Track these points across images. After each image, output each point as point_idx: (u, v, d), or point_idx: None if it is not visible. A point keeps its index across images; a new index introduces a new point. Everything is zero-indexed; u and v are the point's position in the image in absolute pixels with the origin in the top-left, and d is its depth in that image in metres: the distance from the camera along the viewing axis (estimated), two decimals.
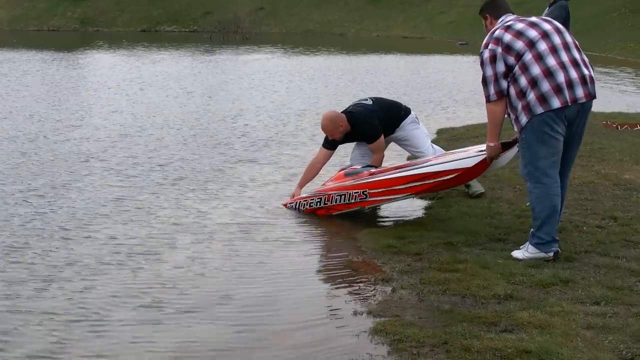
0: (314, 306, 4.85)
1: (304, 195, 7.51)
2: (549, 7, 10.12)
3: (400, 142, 7.74)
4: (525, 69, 5.37)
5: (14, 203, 7.48)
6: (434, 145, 7.67)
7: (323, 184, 7.53)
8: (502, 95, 5.49)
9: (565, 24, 9.98)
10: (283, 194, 7.84)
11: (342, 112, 7.58)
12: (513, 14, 5.74)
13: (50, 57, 29.56)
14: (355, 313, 4.63)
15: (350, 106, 7.70)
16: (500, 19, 5.69)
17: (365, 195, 7.00)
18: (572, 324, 4.28)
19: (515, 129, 5.59)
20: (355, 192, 7.03)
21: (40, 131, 11.94)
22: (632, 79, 23.05)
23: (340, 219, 7.04)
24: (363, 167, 7.38)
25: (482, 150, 6.32)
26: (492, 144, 5.92)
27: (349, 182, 7.16)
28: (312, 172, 7.71)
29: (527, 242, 5.61)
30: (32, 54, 30.95)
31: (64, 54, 31.86)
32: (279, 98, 16.93)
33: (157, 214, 7.15)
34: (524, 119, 5.42)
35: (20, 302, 4.93)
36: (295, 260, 5.85)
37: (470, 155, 6.53)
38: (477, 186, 7.48)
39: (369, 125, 7.44)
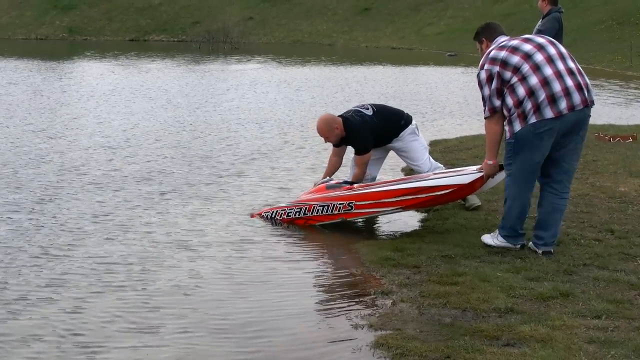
0: (314, 320, 4.83)
1: (281, 204, 7.51)
2: (542, 18, 10.16)
3: (398, 153, 7.71)
4: (523, 79, 5.61)
5: None
6: (431, 159, 7.61)
7: (299, 197, 7.56)
8: (495, 111, 5.76)
9: (558, 35, 10.05)
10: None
11: (339, 116, 7.53)
12: (506, 35, 6.02)
13: (37, 66, 29.51)
14: (356, 326, 4.60)
15: (350, 111, 7.63)
16: (495, 41, 5.97)
17: (351, 206, 6.99)
18: (574, 338, 4.27)
19: (507, 134, 5.82)
20: (339, 203, 7.02)
21: (20, 142, 11.82)
22: (621, 90, 23.16)
23: (336, 231, 7.01)
24: (343, 181, 7.42)
25: (479, 169, 6.45)
26: (490, 162, 6.16)
27: (333, 193, 7.16)
28: (332, 164, 7.72)
29: (497, 231, 6.10)
30: (18, 63, 30.82)
31: (51, 63, 31.74)
32: (267, 109, 16.87)
33: (143, 230, 6.96)
34: (517, 126, 5.67)
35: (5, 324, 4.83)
36: (293, 274, 5.80)
37: (466, 172, 6.64)
38: (473, 199, 7.46)
39: (359, 138, 7.41)
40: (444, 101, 18.88)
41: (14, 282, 5.49)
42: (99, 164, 10.10)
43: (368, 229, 7.30)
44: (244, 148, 11.62)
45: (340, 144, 7.62)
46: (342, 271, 5.83)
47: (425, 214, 7.55)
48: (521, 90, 5.60)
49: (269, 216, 7.38)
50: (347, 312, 4.90)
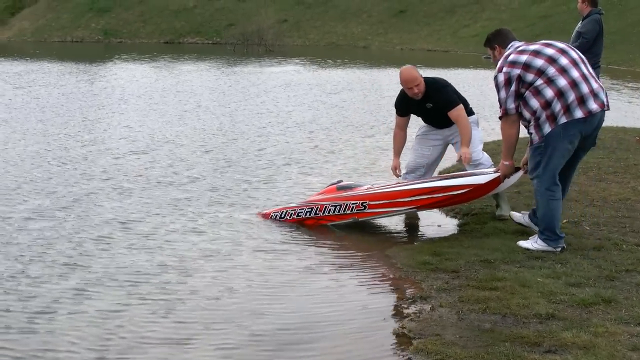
0: (351, 325, 4.81)
1: (291, 205, 7.57)
2: (582, 20, 10.06)
3: (456, 138, 7.36)
4: (550, 81, 5.77)
5: (16, 226, 7.18)
6: (484, 153, 7.33)
7: (309, 199, 7.62)
8: (508, 113, 5.93)
9: (599, 37, 9.94)
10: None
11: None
12: (519, 41, 6.17)
13: (70, 68, 29.66)
14: (394, 332, 4.58)
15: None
16: (509, 46, 6.14)
17: (364, 206, 7.05)
18: (617, 345, 4.21)
19: (535, 138, 5.94)
20: (353, 203, 7.09)
21: (50, 146, 11.89)
22: None
23: (371, 236, 7.04)
24: (356, 183, 7.58)
25: (495, 169, 6.63)
26: (506, 163, 6.36)
27: (345, 193, 7.24)
28: (397, 139, 7.56)
29: (536, 235, 6.13)
30: (52, 65, 31.05)
31: (84, 66, 31.92)
32: (298, 113, 16.69)
33: (170, 238, 6.89)
34: (547, 128, 5.81)
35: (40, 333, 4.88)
36: (330, 279, 5.79)
37: (482, 173, 6.77)
38: (505, 209, 7.26)
39: (448, 89, 7.25)
40: (480, 104, 18.75)
41: (40, 292, 5.45)
42: (126, 169, 10.02)
43: (404, 233, 7.29)
44: (273, 153, 11.48)
45: (407, 111, 7.46)
46: (380, 276, 5.82)
47: (463, 218, 7.50)
48: (549, 92, 5.76)
49: (278, 216, 7.42)
50: (385, 317, 4.89)
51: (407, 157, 7.69)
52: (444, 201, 6.89)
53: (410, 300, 5.12)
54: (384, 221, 7.41)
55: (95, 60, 36.67)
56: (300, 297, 5.39)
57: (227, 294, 5.43)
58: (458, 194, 6.72)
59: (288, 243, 6.79)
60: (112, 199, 8.35)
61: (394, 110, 7.52)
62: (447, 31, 53.92)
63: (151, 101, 18.67)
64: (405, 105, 7.43)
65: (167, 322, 4.90)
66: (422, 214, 7.63)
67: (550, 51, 5.89)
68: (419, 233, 7.25)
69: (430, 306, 4.95)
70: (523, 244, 6.18)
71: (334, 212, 7.17)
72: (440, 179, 7.04)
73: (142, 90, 21.37)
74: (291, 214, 7.36)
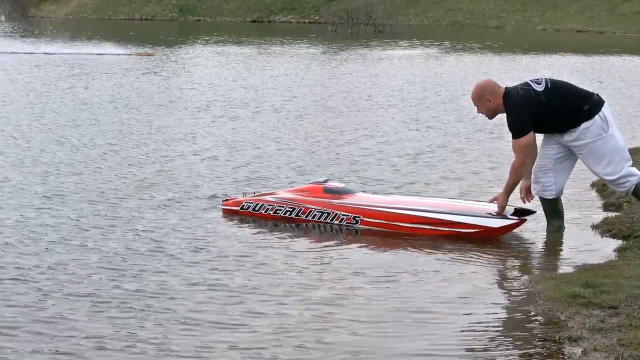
0: None
1: (266, 197, 8.01)
2: None
3: (577, 152, 7.34)
4: None
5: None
6: (627, 166, 7.21)
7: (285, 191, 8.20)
8: None
9: None
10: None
11: (505, 88, 7.40)
12: None
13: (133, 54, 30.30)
14: None
15: (520, 84, 7.50)
16: None
17: (357, 221, 7.64)
18: None
19: None
20: (344, 214, 7.65)
21: (95, 147, 12.32)
22: None
23: (506, 261, 7.09)
24: (345, 187, 8.04)
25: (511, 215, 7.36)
26: None
27: (336, 201, 7.70)
28: (522, 169, 7.47)
29: None
30: (114, 49, 31.56)
31: (154, 49, 32.59)
32: (411, 117, 15.86)
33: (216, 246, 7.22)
34: None
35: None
36: (457, 315, 5.78)
37: (497, 216, 7.34)
38: None
39: (512, 113, 7.29)
40: None
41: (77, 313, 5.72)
42: (175, 178, 10.05)
43: (546, 257, 7.27)
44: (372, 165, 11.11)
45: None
46: (519, 310, 5.80)
47: (623, 241, 7.37)
48: None
49: (251, 208, 7.93)
50: None
51: None
52: (449, 236, 7.38)
53: (556, 342, 5.06)
54: (517, 239, 7.54)
55: (167, 42, 37.40)
56: (425, 333, 5.42)
57: (333, 317, 5.54)
58: (465, 232, 7.32)
59: (402, 262, 6.92)
60: (156, 208, 8.61)
61: None
62: (603, 7, 53.10)
63: (225, 99, 18.61)
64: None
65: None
66: (571, 228, 7.69)
67: None
68: (566, 257, 7.15)
69: (581, 349, 4.89)
70: None
71: (319, 218, 7.74)
72: (450, 212, 7.47)
73: (219, 81, 21.45)
74: (268, 208, 7.93)
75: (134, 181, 9.73)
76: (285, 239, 7.54)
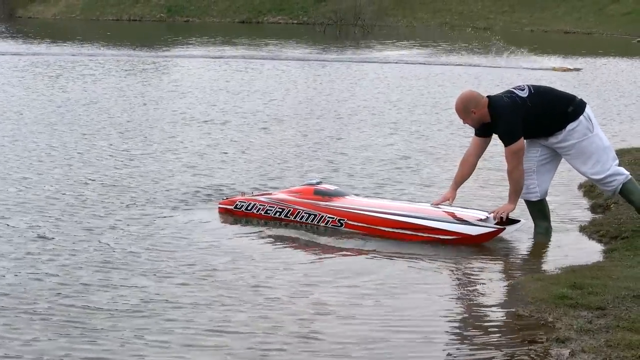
0: None
1: (259, 198, 8.16)
2: None
3: (564, 153, 7.47)
4: None
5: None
6: (614, 166, 7.34)
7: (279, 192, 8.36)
8: None
9: None
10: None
11: (487, 96, 7.46)
12: None
13: (124, 55, 30.20)
14: None
15: (502, 92, 7.60)
16: None
17: (341, 224, 7.77)
18: None
19: None
20: (329, 217, 7.80)
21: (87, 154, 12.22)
22: None
23: (495, 262, 7.08)
24: (336, 189, 8.16)
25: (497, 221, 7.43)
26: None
27: (324, 203, 7.86)
28: (465, 166, 7.72)
29: None
30: (103, 51, 31.59)
31: (140, 52, 32.49)
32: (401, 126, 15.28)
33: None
34: None
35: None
36: (444, 315, 5.79)
37: (478, 223, 7.43)
38: None
39: (503, 120, 7.33)
40: (633, 100, 18.51)
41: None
42: (175, 181, 9.94)
43: (534, 258, 7.28)
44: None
45: (483, 132, 7.58)
46: (505, 311, 5.80)
47: (611, 242, 7.38)
48: None
49: (244, 208, 8.10)
50: None
51: None
52: (430, 241, 7.46)
53: (543, 344, 5.05)
54: (505, 241, 7.53)
55: (154, 44, 37.27)
56: (413, 328, 5.46)
57: (343, 318, 5.53)
58: (445, 238, 7.40)
59: (402, 261, 6.99)
60: (160, 207, 8.61)
61: None
62: (590, 8, 53.26)
63: (210, 106, 18.47)
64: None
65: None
66: (558, 230, 7.73)
67: None
68: (554, 259, 7.14)
69: (569, 351, 4.88)
70: None
71: (306, 220, 7.89)
72: (430, 217, 7.55)
73: (208, 83, 21.43)
74: (259, 208, 8.09)
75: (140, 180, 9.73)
76: (269, 244, 7.51)
